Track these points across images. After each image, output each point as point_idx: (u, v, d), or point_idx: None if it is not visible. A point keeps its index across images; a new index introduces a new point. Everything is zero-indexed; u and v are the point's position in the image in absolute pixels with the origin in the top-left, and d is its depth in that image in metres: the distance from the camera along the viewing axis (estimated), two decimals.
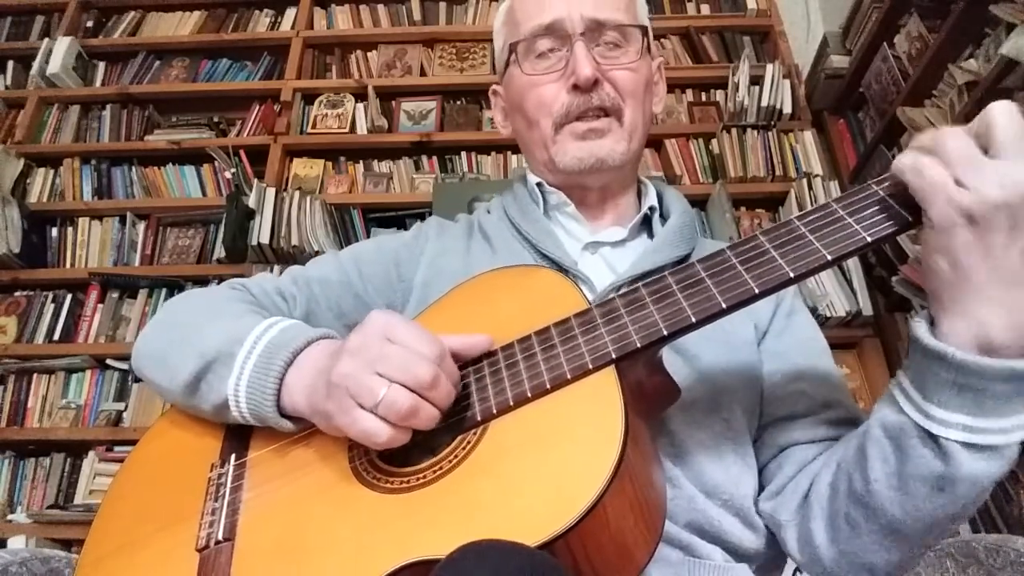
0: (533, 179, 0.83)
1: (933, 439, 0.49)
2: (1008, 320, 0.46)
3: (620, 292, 0.58)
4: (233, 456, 0.63)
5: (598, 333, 0.55)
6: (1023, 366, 0.46)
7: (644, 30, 0.79)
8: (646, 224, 0.83)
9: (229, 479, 0.61)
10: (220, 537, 0.55)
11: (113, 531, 0.63)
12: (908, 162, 0.47)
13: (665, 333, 0.53)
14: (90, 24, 2.78)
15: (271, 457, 0.60)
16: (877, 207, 0.50)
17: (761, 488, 0.69)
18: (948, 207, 0.44)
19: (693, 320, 0.52)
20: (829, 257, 0.50)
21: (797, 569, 0.65)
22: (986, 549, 0.65)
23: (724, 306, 0.52)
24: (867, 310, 1.97)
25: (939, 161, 0.45)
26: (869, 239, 0.49)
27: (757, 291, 0.51)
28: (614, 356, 0.53)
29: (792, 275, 0.51)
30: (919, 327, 0.50)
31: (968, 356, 0.46)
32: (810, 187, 2.14)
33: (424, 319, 0.69)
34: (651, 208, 0.82)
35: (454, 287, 0.69)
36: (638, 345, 0.53)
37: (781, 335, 0.75)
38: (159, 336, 0.70)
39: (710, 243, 0.83)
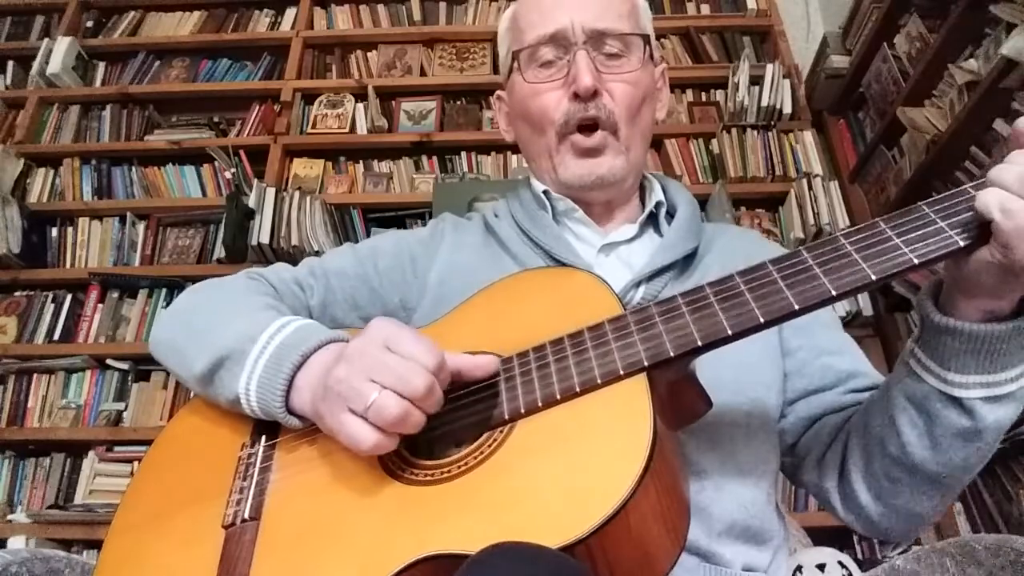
0: (539, 186, 0.83)
1: (956, 401, 0.55)
2: (1014, 300, 0.52)
3: (656, 300, 0.57)
4: (263, 437, 0.63)
5: (631, 340, 0.54)
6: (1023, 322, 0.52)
7: (646, 38, 0.80)
8: (652, 219, 0.83)
9: (259, 459, 0.62)
10: (246, 516, 0.57)
11: (144, 502, 0.64)
12: (995, 202, 0.47)
13: (699, 344, 0.52)
14: (90, 24, 2.78)
15: (301, 440, 0.61)
16: (927, 229, 0.49)
17: (800, 460, 0.73)
18: None
19: (729, 333, 0.51)
20: (874, 277, 0.49)
21: (797, 569, 0.65)
22: (986, 549, 0.65)
23: (762, 320, 0.51)
24: (867, 310, 1.97)
25: None
26: (916, 261, 0.48)
27: (797, 307, 0.50)
28: (646, 364, 0.52)
29: (834, 293, 0.49)
30: (929, 307, 0.55)
31: (980, 328, 0.52)
32: (810, 187, 2.13)
33: (456, 317, 0.69)
34: (657, 204, 0.82)
35: (489, 284, 0.69)
36: (671, 354, 0.52)
37: None
38: (177, 326, 0.72)
39: (710, 227, 0.84)
